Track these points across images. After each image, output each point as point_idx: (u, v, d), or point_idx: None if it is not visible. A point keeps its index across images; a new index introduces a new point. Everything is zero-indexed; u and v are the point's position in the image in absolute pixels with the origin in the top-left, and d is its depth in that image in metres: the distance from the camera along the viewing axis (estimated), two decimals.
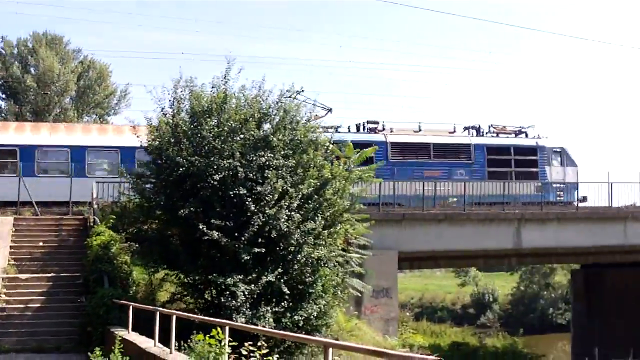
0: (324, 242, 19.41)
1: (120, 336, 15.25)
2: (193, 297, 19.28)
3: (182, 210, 17.86)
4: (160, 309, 16.11)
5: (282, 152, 19.17)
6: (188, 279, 18.89)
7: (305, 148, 19.85)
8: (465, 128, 38.47)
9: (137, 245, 20.25)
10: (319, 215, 19.18)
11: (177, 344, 14.39)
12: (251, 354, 13.27)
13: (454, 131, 37.94)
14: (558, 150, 39.40)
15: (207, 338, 12.45)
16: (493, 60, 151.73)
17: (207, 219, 17.75)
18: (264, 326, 16.87)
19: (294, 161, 19.31)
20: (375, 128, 36.10)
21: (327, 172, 19.82)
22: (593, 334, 47.64)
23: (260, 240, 18.03)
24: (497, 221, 32.74)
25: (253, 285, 17.64)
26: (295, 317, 18.35)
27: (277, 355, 14.37)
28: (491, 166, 36.82)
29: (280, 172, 18.73)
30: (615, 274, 48.99)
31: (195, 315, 15.91)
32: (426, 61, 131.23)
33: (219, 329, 12.62)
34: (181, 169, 18.29)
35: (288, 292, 18.26)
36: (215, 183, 18.00)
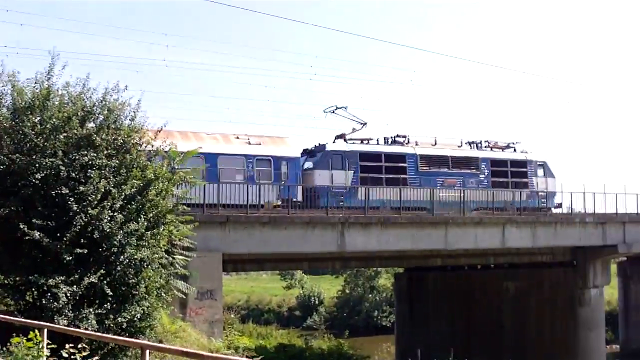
0: (147, 244, 19.77)
1: None
2: (14, 298, 19.13)
3: (1, 210, 17.97)
4: None
5: (106, 152, 19.52)
6: (8, 280, 18.85)
7: (128, 148, 20.33)
8: (468, 143, 45.27)
9: None
10: (142, 216, 19.59)
11: None
12: (72, 357, 13.75)
13: (461, 145, 44.69)
14: (541, 163, 47.01)
15: (24, 341, 12.72)
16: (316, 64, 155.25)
17: (29, 219, 17.89)
18: (86, 328, 17.22)
19: (117, 161, 19.71)
20: (404, 141, 42.38)
21: (150, 173, 20.27)
22: (416, 335, 50.26)
23: (82, 240, 18.33)
24: (321, 225, 33.74)
25: (75, 286, 17.87)
26: (119, 319, 18.65)
27: (98, 358, 14.83)
28: (494, 176, 44.20)
29: (103, 172, 19.08)
30: (437, 277, 51.99)
31: (13, 318, 16.15)
32: (248, 63, 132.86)
33: (37, 331, 12.93)
34: (1, 167, 18.35)
35: (111, 293, 18.58)
36: (37, 182, 18.17)
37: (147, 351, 10.41)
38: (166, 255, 21.94)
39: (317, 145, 39.67)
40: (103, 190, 18.70)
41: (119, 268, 18.99)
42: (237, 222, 31.33)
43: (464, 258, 45.17)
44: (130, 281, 19.24)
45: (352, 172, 38.74)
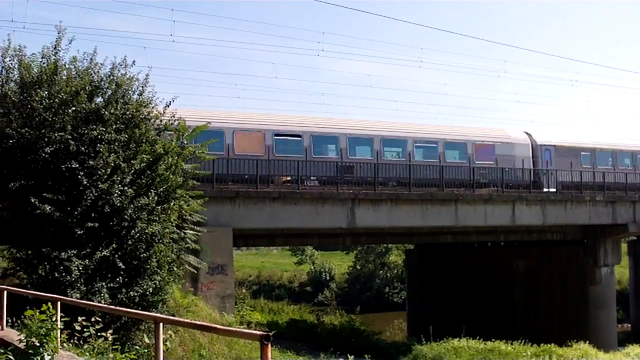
0: (157, 218, 19.81)
1: None
2: (26, 272, 19.25)
3: (12, 184, 18.11)
4: None
5: (115, 126, 19.55)
6: (20, 253, 19.02)
7: (137, 122, 20.38)
8: None
9: None
10: (152, 190, 19.66)
11: (10, 320, 14.81)
12: (85, 329, 13.87)
13: None
14: None
15: (37, 314, 12.79)
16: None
17: (39, 193, 17.94)
18: (99, 302, 17.30)
19: (126, 135, 19.75)
20: None
21: (159, 148, 20.31)
22: (427, 311, 50.44)
23: (93, 215, 18.42)
24: (331, 200, 33.75)
25: (87, 260, 17.96)
26: (131, 292, 18.76)
27: (111, 331, 14.94)
28: None
29: (112, 146, 19.13)
30: (448, 254, 52.09)
31: (26, 291, 16.22)
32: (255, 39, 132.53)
33: (50, 304, 13.00)
34: (11, 141, 18.45)
35: (123, 267, 18.69)
36: (47, 156, 18.27)
37: (161, 324, 10.46)
38: (177, 230, 22.02)
39: None
40: (112, 164, 18.76)
41: (130, 242, 19.07)
42: (247, 197, 31.35)
43: (474, 235, 45.32)
44: (142, 255, 19.30)
45: None
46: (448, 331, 38.01)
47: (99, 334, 14.13)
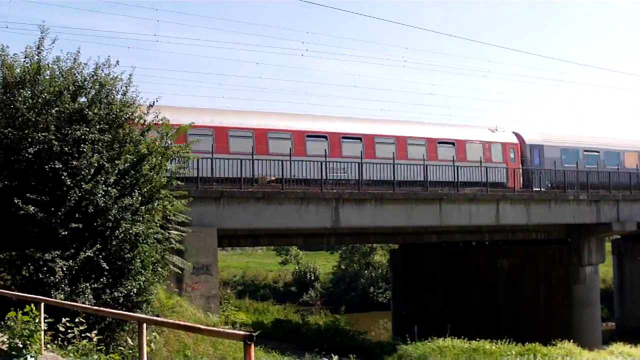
0: (142, 218, 19.74)
1: None
2: (10, 273, 19.19)
3: None
4: None
5: (98, 127, 19.46)
6: (4, 254, 18.85)
7: (121, 123, 20.32)
8: None
9: None
10: (136, 191, 19.56)
11: None
12: (69, 330, 13.84)
13: None
14: None
15: (20, 315, 12.71)
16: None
17: (23, 193, 17.86)
18: (83, 302, 17.25)
19: (110, 136, 19.68)
20: None
21: (143, 148, 20.25)
22: (412, 311, 50.52)
23: (77, 215, 18.33)
24: (316, 200, 33.68)
25: (71, 261, 17.86)
26: (115, 293, 18.66)
27: (96, 332, 14.91)
28: None
29: (96, 146, 19.05)
30: (432, 254, 52.18)
31: (9, 292, 16.17)
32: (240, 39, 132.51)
33: (32, 305, 12.94)
34: None
35: (107, 268, 18.59)
36: (30, 156, 18.18)
37: (145, 325, 10.43)
38: (161, 230, 21.91)
39: None
40: (96, 164, 18.67)
41: (114, 243, 18.98)
42: (231, 197, 31.24)
43: (458, 234, 45.39)
44: (126, 256, 19.20)
45: None
46: (433, 331, 38.08)
47: (83, 335, 14.11)
